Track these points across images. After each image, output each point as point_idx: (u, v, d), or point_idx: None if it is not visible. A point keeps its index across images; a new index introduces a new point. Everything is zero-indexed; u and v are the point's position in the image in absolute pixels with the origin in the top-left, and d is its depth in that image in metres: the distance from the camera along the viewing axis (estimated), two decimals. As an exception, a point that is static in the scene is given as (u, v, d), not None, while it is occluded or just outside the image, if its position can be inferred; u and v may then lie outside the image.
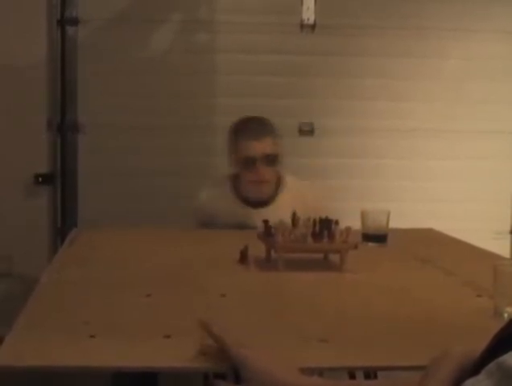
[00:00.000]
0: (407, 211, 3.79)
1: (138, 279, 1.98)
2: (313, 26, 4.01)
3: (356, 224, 2.43)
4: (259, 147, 2.75)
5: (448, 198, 4.10)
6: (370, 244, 2.53)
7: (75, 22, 3.90)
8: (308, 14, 4.00)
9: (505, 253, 2.16)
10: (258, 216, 2.60)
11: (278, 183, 2.89)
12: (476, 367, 0.84)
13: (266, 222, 2.22)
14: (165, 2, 3.98)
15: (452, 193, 4.11)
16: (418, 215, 3.93)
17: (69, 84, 3.94)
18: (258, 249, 2.22)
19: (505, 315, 1.60)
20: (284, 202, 2.81)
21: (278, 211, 2.59)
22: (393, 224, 2.59)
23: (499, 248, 2.63)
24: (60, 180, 3.98)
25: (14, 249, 3.87)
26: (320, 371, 1.57)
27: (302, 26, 4.01)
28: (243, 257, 2.21)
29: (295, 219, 2.19)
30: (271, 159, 2.79)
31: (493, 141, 4.12)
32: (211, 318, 1.28)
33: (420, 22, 4.05)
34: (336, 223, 2.14)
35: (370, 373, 2.19)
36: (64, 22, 3.91)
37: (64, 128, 3.96)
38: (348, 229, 2.14)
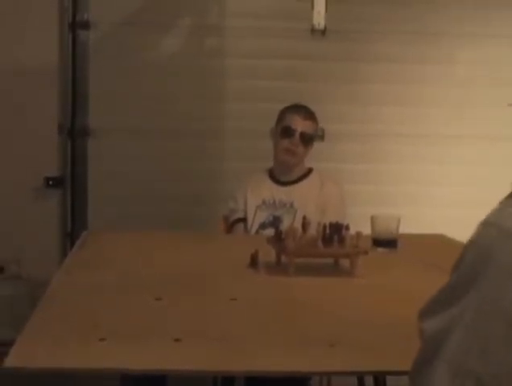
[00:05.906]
0: (418, 217, 3.77)
1: (148, 282, 1.98)
2: (324, 32, 4.00)
3: (366, 229, 2.42)
4: (301, 123, 3.15)
5: (459, 204, 4.08)
6: (380, 250, 2.52)
7: (86, 26, 3.91)
8: (319, 19, 4.00)
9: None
10: (283, 192, 3.17)
11: (307, 172, 3.24)
12: None
13: (276, 228, 2.28)
14: (175, 7, 3.99)
15: (463, 199, 4.09)
16: (429, 220, 3.91)
17: (80, 89, 3.95)
18: (268, 254, 2.22)
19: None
20: (306, 186, 3.21)
21: (299, 191, 3.16)
22: (403, 230, 2.58)
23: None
24: (70, 184, 3.98)
25: (24, 252, 3.88)
26: (329, 376, 1.56)
27: (312, 31, 4.01)
28: (253, 262, 2.21)
29: (305, 223, 2.19)
30: (307, 138, 3.16)
31: (505, 147, 4.11)
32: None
33: (430, 27, 4.05)
34: (347, 228, 2.14)
35: (379, 378, 2.19)
36: (75, 25, 3.91)
37: (74, 132, 3.96)
38: (358, 234, 2.14)
